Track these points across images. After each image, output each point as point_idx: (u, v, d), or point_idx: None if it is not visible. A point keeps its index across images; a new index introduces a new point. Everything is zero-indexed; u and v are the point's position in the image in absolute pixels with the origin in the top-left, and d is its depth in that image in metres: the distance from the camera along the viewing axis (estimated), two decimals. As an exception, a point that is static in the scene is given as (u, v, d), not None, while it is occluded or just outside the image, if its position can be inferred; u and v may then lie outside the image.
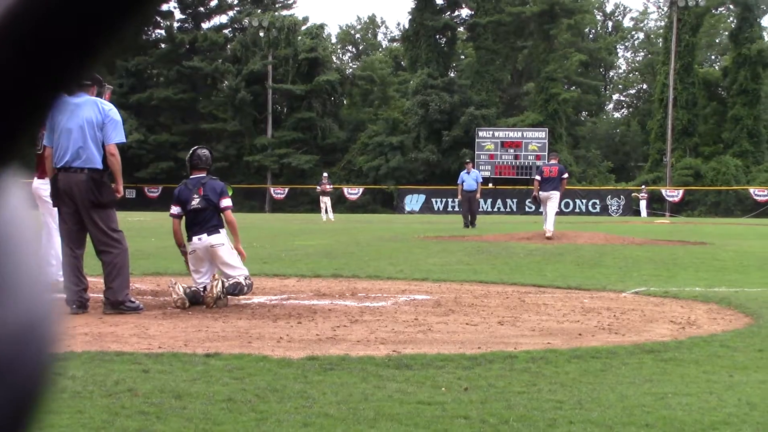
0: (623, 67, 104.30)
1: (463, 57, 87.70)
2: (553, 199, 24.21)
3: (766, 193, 63.76)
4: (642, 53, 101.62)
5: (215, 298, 9.97)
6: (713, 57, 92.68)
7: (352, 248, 20.65)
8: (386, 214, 64.42)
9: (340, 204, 65.67)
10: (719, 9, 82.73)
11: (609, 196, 66.17)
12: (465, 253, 18.85)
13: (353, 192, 71.71)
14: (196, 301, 10.05)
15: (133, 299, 9.78)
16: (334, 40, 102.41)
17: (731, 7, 77.28)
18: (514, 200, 66.65)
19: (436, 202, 68.51)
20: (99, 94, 9.92)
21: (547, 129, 69.74)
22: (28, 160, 0.61)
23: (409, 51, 79.23)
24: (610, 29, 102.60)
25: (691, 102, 71.06)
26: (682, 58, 70.57)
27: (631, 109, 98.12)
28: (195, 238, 10.37)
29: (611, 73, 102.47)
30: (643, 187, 64.56)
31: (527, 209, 62.98)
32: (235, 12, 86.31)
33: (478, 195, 34.20)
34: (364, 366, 6.45)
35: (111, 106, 9.82)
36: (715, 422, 5.05)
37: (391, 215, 62.68)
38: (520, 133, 69.58)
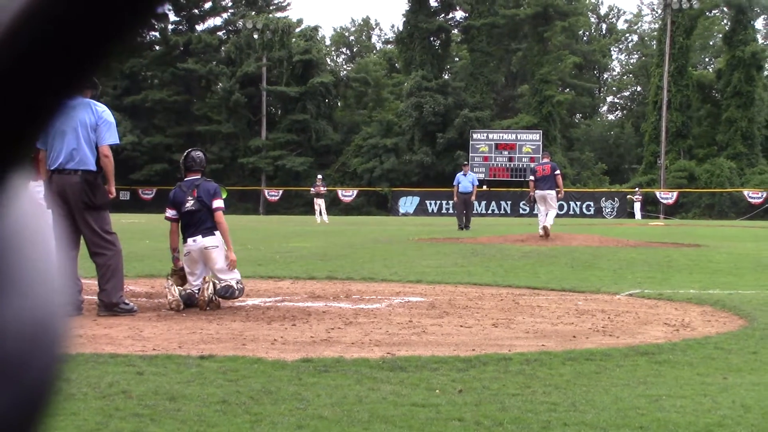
0: (617, 69, 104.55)
1: (457, 59, 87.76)
2: (550, 199, 24.41)
3: (760, 195, 63.84)
4: (636, 55, 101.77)
5: (207, 300, 9.96)
6: (707, 59, 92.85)
7: (346, 250, 20.64)
8: (380, 216, 64.43)
9: (335, 206, 65.67)
10: (713, 11, 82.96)
11: (603, 199, 66.19)
12: (459, 255, 18.85)
13: (347, 194, 71.71)
14: (191, 303, 10.04)
15: (127, 301, 9.77)
16: (328, 42, 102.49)
17: (725, 9, 77.47)
18: (508, 202, 66.65)
19: (431, 204, 68.50)
20: (94, 97, 9.90)
21: (541, 131, 69.83)
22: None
23: (403, 53, 79.25)
24: (604, 31, 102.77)
25: (685, 104, 71.16)
26: (676, 61, 70.66)
27: (625, 112, 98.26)
28: (190, 240, 10.37)
29: (605, 76, 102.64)
30: (636, 189, 64.62)
31: (521, 211, 63.03)
32: (229, 14, 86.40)
33: (473, 198, 34.22)
34: (359, 368, 6.45)
35: (104, 107, 9.80)
36: (709, 424, 5.05)
37: (386, 217, 62.69)
38: (514, 135, 69.68)
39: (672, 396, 5.71)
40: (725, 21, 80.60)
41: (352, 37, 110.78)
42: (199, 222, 10.39)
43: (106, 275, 9.57)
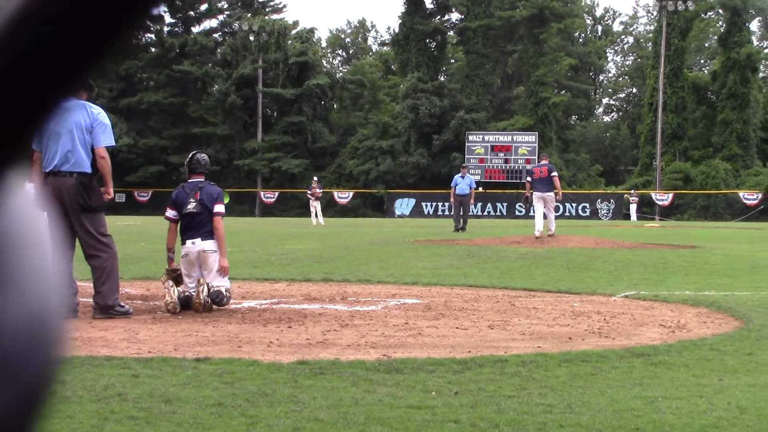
0: (613, 71, 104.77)
1: (453, 61, 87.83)
2: (548, 200, 24.52)
3: (755, 196, 63.92)
4: (632, 57, 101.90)
5: (202, 303, 9.96)
6: (702, 61, 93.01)
7: (342, 252, 20.64)
8: (376, 218, 64.41)
9: (330, 208, 65.66)
10: (708, 13, 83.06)
11: (599, 200, 66.22)
12: (455, 257, 18.85)
13: (343, 196, 71.71)
14: (187, 305, 10.04)
15: (122, 303, 9.76)
16: (324, 44, 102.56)
17: (720, 11, 77.55)
18: (504, 204, 66.67)
19: (427, 206, 68.49)
20: (89, 99, 9.88)
21: (537, 133, 69.89)
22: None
23: (399, 55, 79.26)
24: (599, 33, 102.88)
25: (681, 106, 71.26)
26: (672, 62, 70.76)
27: (620, 113, 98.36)
28: (189, 242, 10.38)
29: (601, 77, 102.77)
30: (633, 191, 64.67)
31: (517, 213, 63.05)
32: (225, 16, 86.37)
33: (471, 200, 34.23)
34: (355, 370, 6.45)
35: (100, 109, 9.78)
36: (704, 426, 5.05)
37: (382, 219, 62.66)
38: (510, 137, 69.70)
39: (668, 397, 5.72)
40: (720, 23, 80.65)
41: (348, 39, 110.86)
42: (199, 225, 10.40)
43: (101, 278, 9.56)
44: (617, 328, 8.87)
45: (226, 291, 10.28)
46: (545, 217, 24.89)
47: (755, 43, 73.71)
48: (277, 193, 73.51)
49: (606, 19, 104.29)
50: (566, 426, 5.02)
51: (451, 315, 9.82)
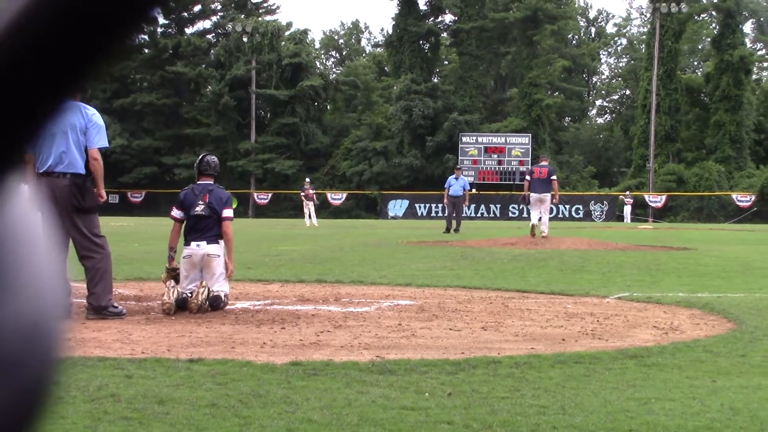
0: (606, 72, 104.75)
1: (446, 62, 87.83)
2: (545, 202, 24.63)
3: (748, 198, 64.05)
4: (625, 59, 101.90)
5: (199, 304, 9.95)
6: (696, 63, 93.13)
7: (335, 253, 20.64)
8: (370, 220, 64.39)
9: (324, 209, 65.61)
10: (702, 15, 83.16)
11: (592, 202, 66.29)
12: (448, 259, 18.85)
13: (337, 197, 71.70)
14: (183, 306, 10.03)
15: (116, 304, 9.74)
16: (317, 46, 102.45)
17: (713, 13, 77.71)
18: (498, 205, 66.70)
19: (420, 207, 68.47)
20: (83, 100, 9.87)
21: (530, 134, 69.93)
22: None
23: (392, 56, 79.25)
24: (593, 35, 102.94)
25: (674, 108, 71.37)
26: (665, 64, 70.88)
27: (614, 115, 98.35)
28: (193, 244, 10.39)
29: (594, 79, 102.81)
30: (627, 193, 64.76)
31: (511, 214, 63.13)
32: (218, 17, 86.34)
33: (465, 202, 34.22)
34: (348, 371, 6.45)
35: (94, 110, 9.77)
36: (698, 427, 5.06)
37: (375, 220, 62.64)
38: (503, 139, 69.72)
39: (661, 399, 5.73)
40: (714, 25, 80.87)
41: (341, 41, 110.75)
42: (205, 228, 10.43)
43: (95, 278, 9.54)
44: (610, 330, 8.88)
45: (225, 296, 10.32)
46: (539, 219, 25.01)
47: (748, 45, 73.86)
48: (270, 195, 73.49)
49: (599, 20, 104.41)
50: (559, 427, 5.02)
51: (445, 316, 9.82)
